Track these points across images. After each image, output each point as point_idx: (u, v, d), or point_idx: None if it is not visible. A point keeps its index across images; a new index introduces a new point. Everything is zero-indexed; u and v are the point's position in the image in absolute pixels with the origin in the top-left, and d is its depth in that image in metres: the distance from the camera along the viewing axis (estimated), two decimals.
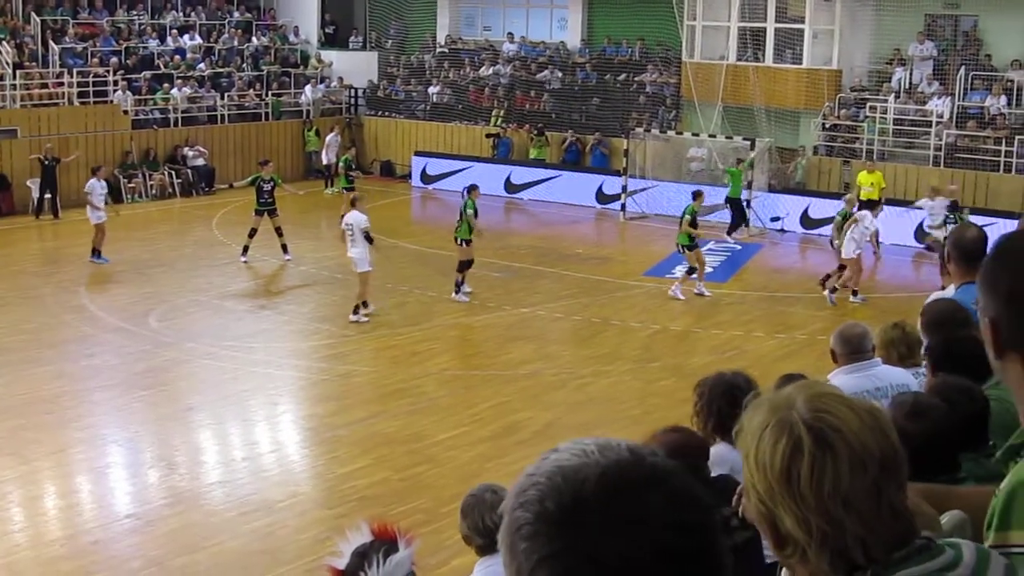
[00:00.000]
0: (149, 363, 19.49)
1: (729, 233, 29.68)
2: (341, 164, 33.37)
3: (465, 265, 23.53)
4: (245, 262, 26.57)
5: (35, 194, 32.49)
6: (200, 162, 36.25)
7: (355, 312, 21.74)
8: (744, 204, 30.41)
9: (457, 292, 23.48)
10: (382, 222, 31.61)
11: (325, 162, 37.37)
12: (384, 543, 4.73)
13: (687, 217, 23.39)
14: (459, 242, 23.47)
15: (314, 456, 15.89)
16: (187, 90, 37.60)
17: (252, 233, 26.69)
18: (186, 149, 36.13)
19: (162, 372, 19.13)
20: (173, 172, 35.89)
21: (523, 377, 18.47)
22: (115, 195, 34.26)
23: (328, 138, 37.82)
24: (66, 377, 18.68)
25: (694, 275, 23.58)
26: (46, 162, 31.70)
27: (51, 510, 14.10)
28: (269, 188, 27.25)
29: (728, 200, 30.25)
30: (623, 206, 33.49)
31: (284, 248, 26.79)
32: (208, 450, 16.22)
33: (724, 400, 6.30)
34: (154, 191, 35.41)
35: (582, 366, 19.28)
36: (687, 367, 18.84)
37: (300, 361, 20.13)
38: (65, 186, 32.60)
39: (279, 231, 26.70)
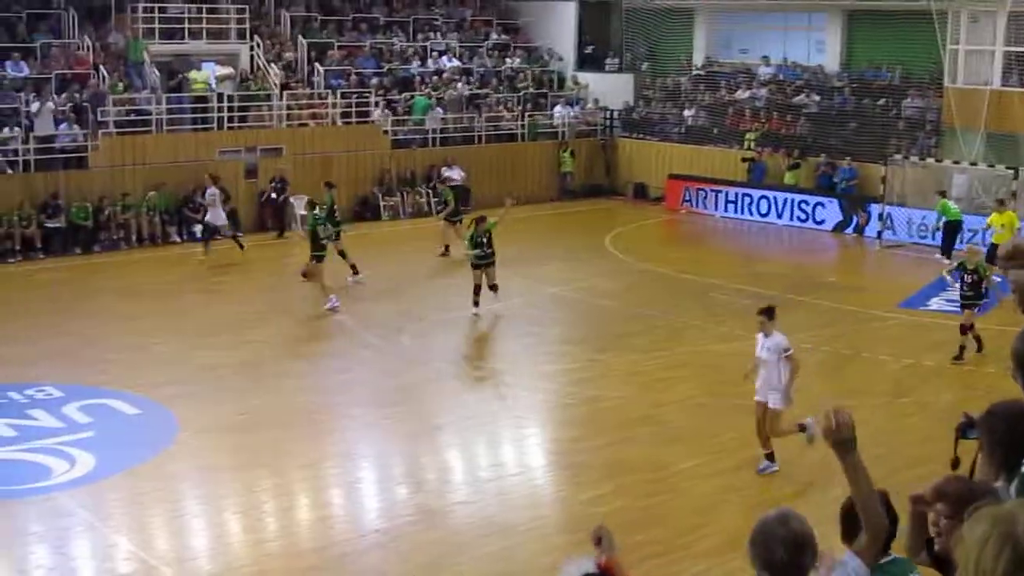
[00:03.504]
0: (400, 380, 19.99)
1: (945, 255, 28.93)
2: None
3: None
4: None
5: (299, 210, 33.64)
6: (456, 181, 36.93)
7: None
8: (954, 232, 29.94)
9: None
10: (634, 244, 31.79)
11: (214, 222, 30.06)
12: None
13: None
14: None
15: (557, 480, 16.05)
16: (440, 111, 38.35)
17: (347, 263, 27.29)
18: (444, 169, 36.78)
19: (412, 390, 19.59)
20: (430, 191, 36.67)
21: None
22: (374, 212, 35.36)
23: (208, 193, 30.51)
24: (322, 391, 19.35)
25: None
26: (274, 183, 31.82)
27: (303, 521, 14.62)
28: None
29: (947, 225, 29.90)
30: (879, 234, 32.87)
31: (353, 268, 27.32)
32: (454, 469, 16.57)
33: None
34: (410, 210, 36.26)
35: (829, 399, 18.92)
36: (936, 405, 18.39)
37: (547, 384, 20.32)
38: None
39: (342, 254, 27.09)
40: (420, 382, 20.12)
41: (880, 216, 33.06)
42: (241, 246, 29.63)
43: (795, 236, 34.73)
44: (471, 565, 12.79)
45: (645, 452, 16.44)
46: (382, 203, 35.77)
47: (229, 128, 34.36)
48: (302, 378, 20.05)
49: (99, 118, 32.02)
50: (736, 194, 37.07)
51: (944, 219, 29.77)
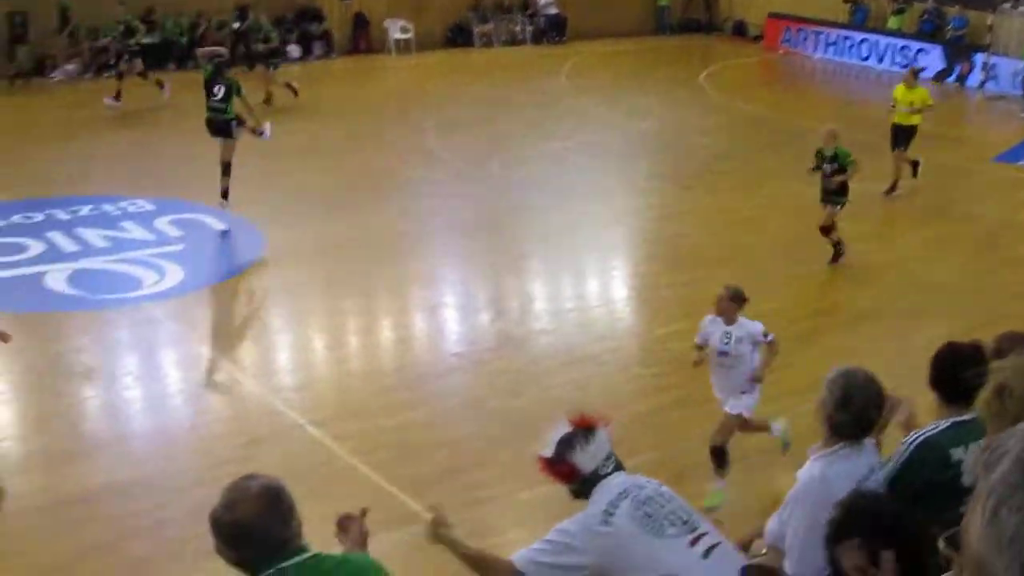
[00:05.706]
0: (487, 208, 20.08)
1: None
2: None
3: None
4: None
5: (393, 34, 33.53)
6: (552, 10, 36.55)
7: None
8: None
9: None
10: (729, 83, 31.42)
11: None
12: (584, 430, 5.27)
13: None
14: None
15: (637, 314, 16.15)
16: None
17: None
18: None
19: (499, 218, 19.67)
20: (526, 19, 36.31)
21: (852, 255, 18.11)
22: (466, 38, 35.05)
23: None
24: (409, 216, 19.48)
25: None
26: None
27: (384, 342, 14.86)
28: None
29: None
30: (982, 83, 32.15)
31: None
32: (537, 298, 16.69)
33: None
34: (504, 37, 35.94)
35: (914, 250, 18.81)
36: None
37: (631, 218, 20.36)
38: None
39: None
40: (506, 211, 20.19)
41: (984, 66, 32.30)
42: None
43: (895, 82, 33.89)
44: (549, 392, 12.92)
45: None
46: (475, 30, 35.47)
47: None
48: (390, 202, 20.19)
49: None
50: (837, 36, 36.35)
51: None
